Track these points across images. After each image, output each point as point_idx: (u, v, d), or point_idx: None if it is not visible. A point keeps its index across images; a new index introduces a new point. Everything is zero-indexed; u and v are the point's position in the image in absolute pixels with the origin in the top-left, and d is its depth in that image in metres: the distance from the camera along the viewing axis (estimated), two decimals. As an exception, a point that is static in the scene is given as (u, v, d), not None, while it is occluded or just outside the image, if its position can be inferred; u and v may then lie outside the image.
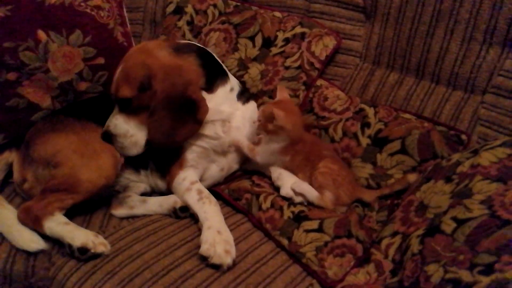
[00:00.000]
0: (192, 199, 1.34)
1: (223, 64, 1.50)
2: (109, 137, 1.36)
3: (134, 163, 1.48)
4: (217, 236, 1.21)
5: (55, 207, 1.29)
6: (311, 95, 1.59)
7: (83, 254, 1.21)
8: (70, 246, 1.22)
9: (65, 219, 1.30)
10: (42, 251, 1.27)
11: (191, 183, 1.36)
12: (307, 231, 1.25)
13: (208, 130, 1.40)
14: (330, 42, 1.62)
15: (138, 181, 1.51)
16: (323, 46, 1.61)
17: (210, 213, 1.28)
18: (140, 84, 1.29)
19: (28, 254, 1.27)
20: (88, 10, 1.60)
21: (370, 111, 1.47)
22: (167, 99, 1.28)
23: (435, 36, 1.46)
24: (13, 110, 1.53)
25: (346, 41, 1.65)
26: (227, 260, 1.17)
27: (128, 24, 1.75)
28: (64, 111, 1.54)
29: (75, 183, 1.31)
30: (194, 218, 1.36)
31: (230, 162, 1.50)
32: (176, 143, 1.36)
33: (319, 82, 1.61)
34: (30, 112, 1.56)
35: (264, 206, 1.35)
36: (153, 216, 1.40)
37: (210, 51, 1.49)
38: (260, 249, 1.27)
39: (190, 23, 1.77)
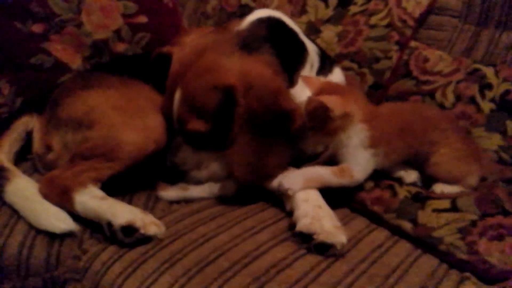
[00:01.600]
0: None
1: (298, 30, 1.14)
2: (177, 174, 1.04)
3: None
4: (320, 210, 0.88)
5: (88, 178, 0.96)
6: (405, 57, 1.28)
7: (129, 236, 0.86)
8: (110, 225, 0.87)
9: (101, 192, 0.95)
10: (70, 234, 0.91)
11: None
12: (438, 210, 0.91)
13: None
14: (423, -2, 1.34)
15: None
16: (415, 3, 1.32)
17: None
18: (216, 115, 0.96)
19: (52, 237, 0.91)
20: (132, -44, 1.34)
21: (488, 71, 1.16)
22: (251, 120, 0.94)
23: None
24: (37, 69, 1.23)
25: (440, -1, 1.37)
26: (341, 238, 0.82)
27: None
28: (99, 67, 1.23)
29: (115, 146, 0.98)
30: (269, 201, 1.02)
31: None
32: (266, 176, 0.98)
33: (413, 43, 1.31)
34: (57, 73, 1.26)
35: (366, 186, 1.01)
36: (212, 199, 1.06)
37: (278, 16, 1.11)
38: (370, 236, 0.92)
39: (247, -15, 1.51)
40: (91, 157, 0.98)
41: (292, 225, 0.91)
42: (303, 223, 0.84)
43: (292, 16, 1.43)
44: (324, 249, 0.82)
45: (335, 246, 0.81)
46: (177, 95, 0.97)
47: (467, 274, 0.79)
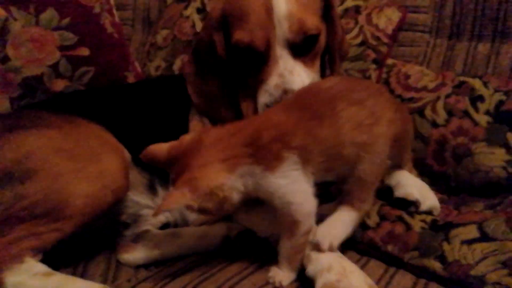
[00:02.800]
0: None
1: None
2: None
3: (148, 177, 0.94)
4: (345, 262, 0.70)
5: (26, 248, 0.72)
6: (384, 75, 1.18)
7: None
8: (61, 311, 0.64)
9: (45, 267, 0.72)
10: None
11: None
12: (468, 242, 0.76)
13: None
14: (393, 14, 1.25)
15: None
16: (386, 19, 1.24)
17: None
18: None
19: None
20: (65, -15, 1.16)
21: (476, 83, 1.07)
22: None
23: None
24: (-51, 114, 0.99)
25: (409, 15, 1.30)
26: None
27: (116, 15, 1.30)
28: (31, 107, 1.00)
29: (62, 201, 0.75)
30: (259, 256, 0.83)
31: None
32: None
33: (390, 61, 1.21)
34: (-23, 118, 1.01)
35: (371, 222, 0.86)
36: (189, 257, 0.85)
37: None
38: (393, 283, 0.74)
39: (201, 10, 1.36)
40: (29, 219, 0.74)
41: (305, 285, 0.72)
42: (327, 281, 0.66)
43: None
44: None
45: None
46: None
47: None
